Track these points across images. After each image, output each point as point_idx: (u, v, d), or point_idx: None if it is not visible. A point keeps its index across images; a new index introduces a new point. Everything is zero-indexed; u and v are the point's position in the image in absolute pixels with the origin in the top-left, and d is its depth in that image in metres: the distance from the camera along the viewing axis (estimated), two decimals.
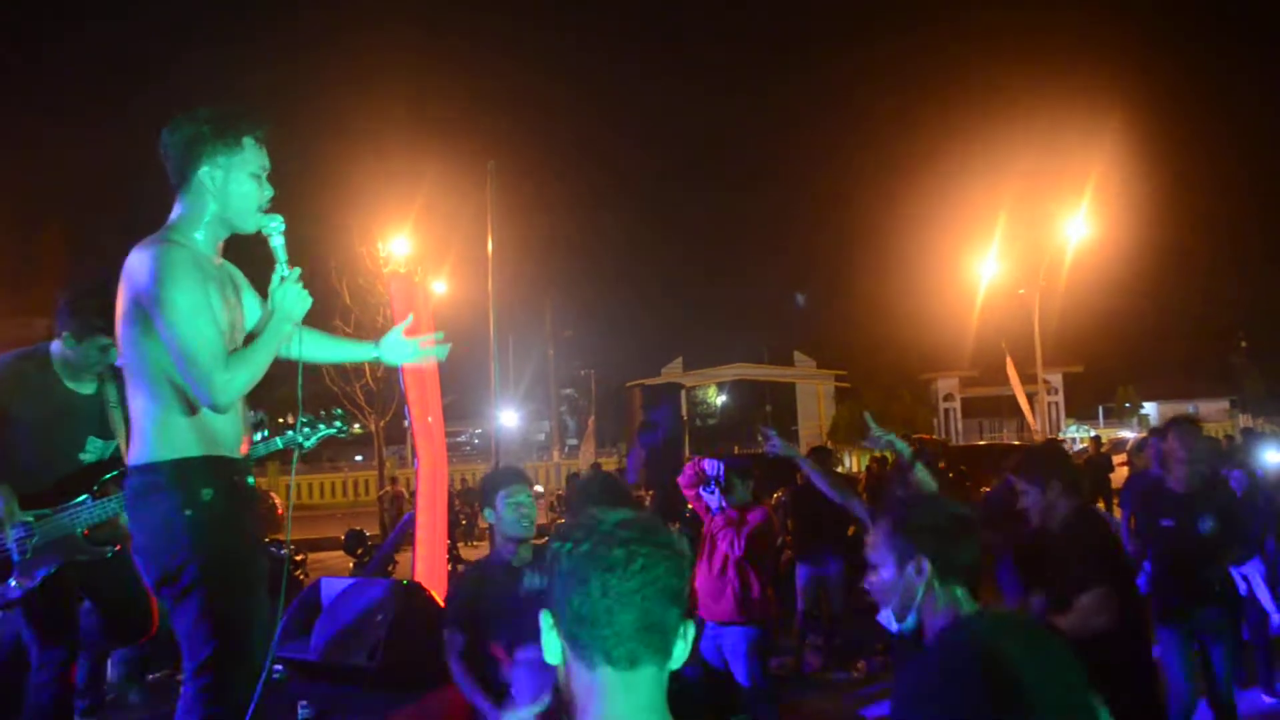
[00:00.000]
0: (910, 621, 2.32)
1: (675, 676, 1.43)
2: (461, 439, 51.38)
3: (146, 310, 2.81)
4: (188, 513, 2.84)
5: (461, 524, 17.30)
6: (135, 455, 2.92)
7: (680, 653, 1.42)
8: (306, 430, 4.39)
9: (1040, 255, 27.57)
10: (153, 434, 2.88)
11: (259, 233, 3.07)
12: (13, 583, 3.86)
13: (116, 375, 4.44)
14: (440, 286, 24.30)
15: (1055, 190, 29.31)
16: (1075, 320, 39.42)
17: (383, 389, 25.18)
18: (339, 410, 4.33)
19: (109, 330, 4.06)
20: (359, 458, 45.05)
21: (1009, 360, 23.75)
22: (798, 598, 7.68)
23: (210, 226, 3.01)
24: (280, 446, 4.03)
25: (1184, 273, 44.82)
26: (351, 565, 11.64)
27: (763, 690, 5.23)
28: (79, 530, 3.98)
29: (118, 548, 4.26)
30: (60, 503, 3.96)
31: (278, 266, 3.01)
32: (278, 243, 3.04)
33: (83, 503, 3.97)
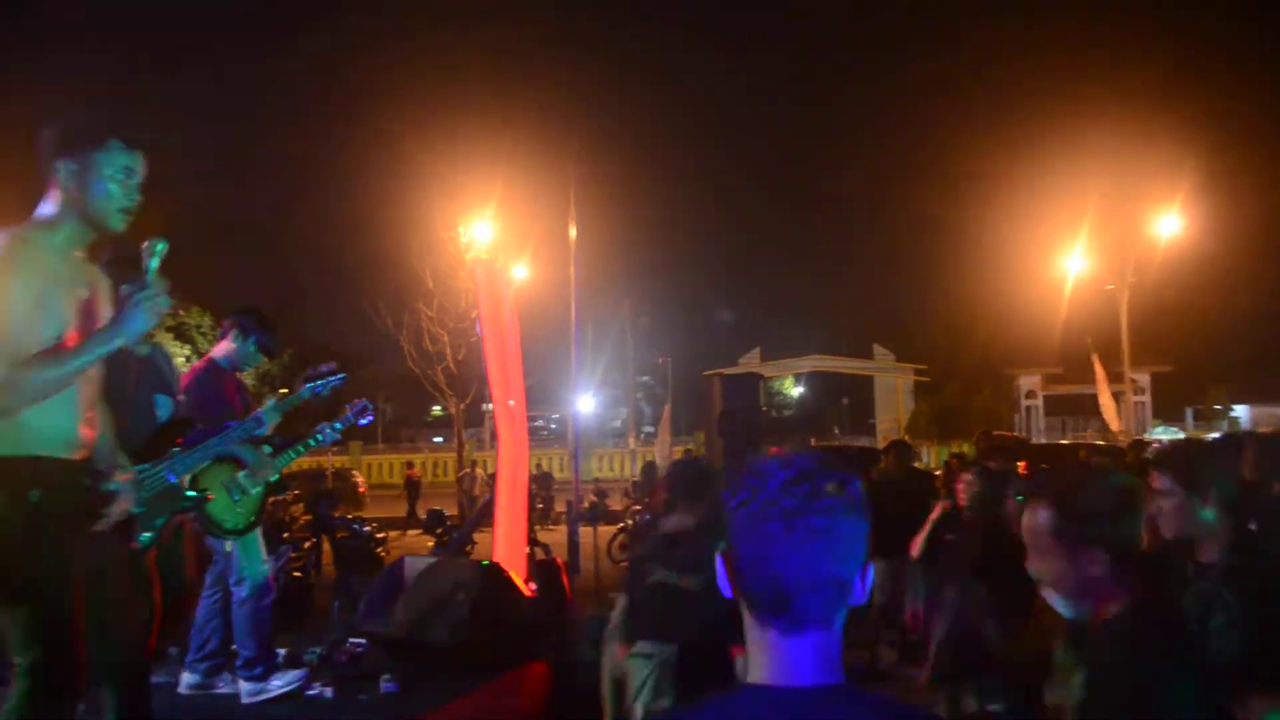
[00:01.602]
0: (1084, 608, 2.27)
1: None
2: (539, 423, 51.83)
3: None
4: (13, 515, 2.80)
5: (538, 507, 17.49)
6: None
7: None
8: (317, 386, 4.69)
9: (1129, 250, 26.90)
10: None
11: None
12: (145, 536, 4.04)
13: (155, 347, 4.69)
14: (521, 272, 24.53)
15: (1146, 184, 28.57)
16: (1165, 318, 38.46)
17: (463, 372, 25.52)
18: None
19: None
20: (438, 439, 45.74)
21: (1094, 358, 23.22)
22: (873, 593, 7.66)
23: (71, 224, 3.00)
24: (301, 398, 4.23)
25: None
26: (431, 544, 11.86)
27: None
28: (176, 481, 4.16)
29: (210, 497, 4.50)
30: (155, 459, 4.13)
31: (138, 284, 2.95)
32: (152, 264, 3.00)
33: (174, 456, 4.14)
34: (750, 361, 45.44)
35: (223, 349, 5.32)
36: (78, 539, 2.95)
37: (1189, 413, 42.68)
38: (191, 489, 4.28)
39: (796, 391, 50.51)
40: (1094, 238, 29.33)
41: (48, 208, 2.99)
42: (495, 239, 23.83)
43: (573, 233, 10.49)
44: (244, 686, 5.15)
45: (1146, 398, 40.28)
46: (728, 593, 1.43)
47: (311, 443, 5.12)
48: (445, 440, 41.97)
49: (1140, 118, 53.24)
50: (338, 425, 5.08)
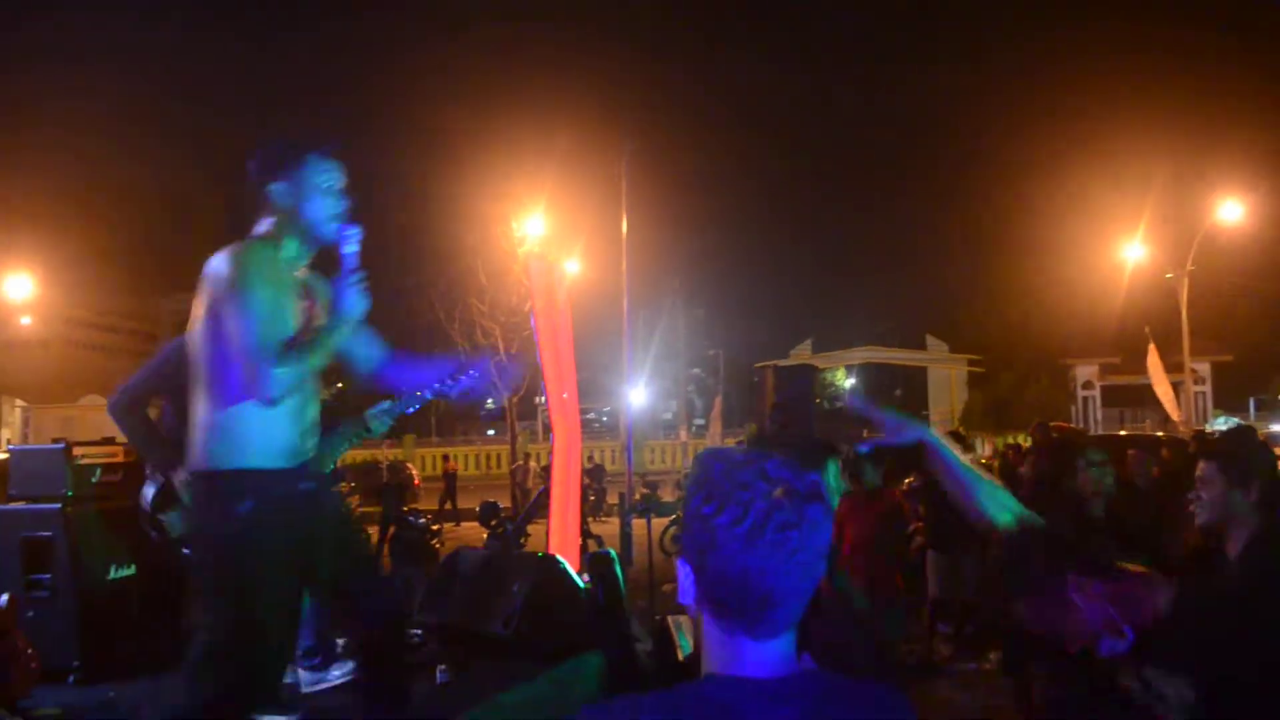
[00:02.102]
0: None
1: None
2: (591, 416, 51.99)
3: (220, 307, 2.98)
4: (226, 526, 2.97)
5: (590, 499, 17.58)
6: (196, 463, 3.06)
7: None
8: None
9: (1189, 237, 26.44)
10: (209, 441, 3.01)
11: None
12: None
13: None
14: (573, 266, 24.63)
15: (1207, 169, 28.08)
16: (1226, 306, 37.74)
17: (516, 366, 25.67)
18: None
19: None
20: (491, 432, 46.05)
21: (1151, 347, 22.84)
22: (929, 585, 7.62)
23: (290, 239, 3.22)
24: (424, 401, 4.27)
25: None
26: (486, 536, 11.96)
27: (885, 676, 5.23)
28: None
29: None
30: None
31: (345, 271, 3.17)
32: (351, 249, 3.20)
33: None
34: (802, 353, 45.25)
35: None
36: (288, 549, 3.09)
37: (1251, 402, 41.79)
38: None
39: (849, 383, 50.12)
40: (1152, 225, 28.88)
41: (265, 225, 3.23)
42: (547, 233, 23.95)
43: (624, 226, 10.54)
44: (303, 676, 5.25)
45: (1207, 387, 39.50)
46: (689, 599, 1.47)
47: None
48: (498, 433, 42.23)
49: (1200, 102, 52.26)
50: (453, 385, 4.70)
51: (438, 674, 5.36)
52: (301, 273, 3.25)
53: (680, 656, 5.21)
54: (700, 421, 47.58)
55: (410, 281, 26.34)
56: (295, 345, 3.01)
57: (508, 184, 25.02)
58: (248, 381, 2.91)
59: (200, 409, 3.03)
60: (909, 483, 8.93)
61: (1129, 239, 29.12)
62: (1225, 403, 41.78)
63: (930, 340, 45.92)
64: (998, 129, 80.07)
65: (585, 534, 10.53)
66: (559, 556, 5.74)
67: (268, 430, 3.00)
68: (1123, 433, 25.82)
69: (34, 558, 5.75)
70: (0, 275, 31.61)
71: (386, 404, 4.39)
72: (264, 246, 3.15)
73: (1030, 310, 41.82)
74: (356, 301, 3.13)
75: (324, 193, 3.21)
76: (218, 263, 3.02)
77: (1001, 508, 2.56)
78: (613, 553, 6.04)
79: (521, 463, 23.23)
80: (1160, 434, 21.80)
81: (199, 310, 3.05)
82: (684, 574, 1.47)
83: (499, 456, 35.95)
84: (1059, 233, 40.40)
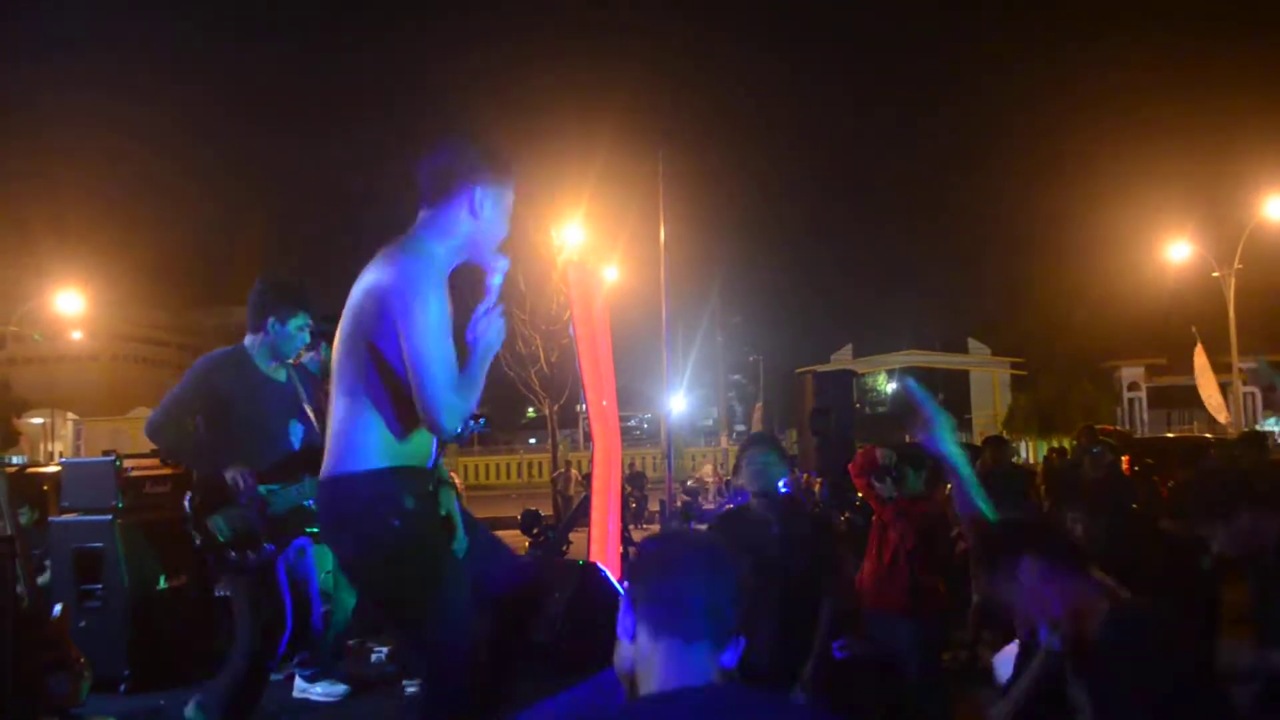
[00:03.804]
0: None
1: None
2: (631, 423, 52.04)
3: (392, 321, 2.83)
4: (395, 523, 2.85)
5: (632, 507, 17.58)
6: (336, 465, 2.91)
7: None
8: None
9: (1236, 235, 26.05)
10: (360, 444, 2.89)
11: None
12: (270, 546, 4.22)
13: (299, 369, 4.84)
14: (612, 273, 24.68)
15: (1253, 166, 27.63)
16: (1276, 305, 37.11)
17: (556, 374, 25.75)
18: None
19: (307, 311, 4.50)
20: (533, 440, 46.26)
21: (1199, 347, 22.53)
22: (973, 591, 7.56)
23: (455, 247, 3.04)
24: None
25: None
26: (527, 544, 12.00)
27: (932, 683, 5.20)
28: (307, 503, 4.32)
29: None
30: (285, 481, 4.31)
31: (488, 300, 3.04)
32: (497, 281, 3.09)
33: (305, 481, 4.30)
34: (842, 358, 45.04)
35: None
36: (447, 546, 3.06)
37: None
38: None
39: (890, 388, 49.82)
40: (1197, 223, 28.50)
41: (438, 224, 3.03)
42: (586, 241, 24.04)
43: (662, 233, 10.58)
44: (297, 681, 5.40)
45: (1256, 388, 38.88)
46: (629, 634, 1.75)
47: None
48: (539, 442, 42.39)
49: (1244, 98, 51.48)
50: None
51: None
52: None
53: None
54: (741, 428, 47.49)
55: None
56: (464, 374, 2.89)
57: (547, 192, 25.16)
58: (427, 410, 2.78)
59: (345, 411, 2.91)
60: (951, 487, 8.84)
61: (1174, 238, 28.74)
62: (1276, 403, 41.09)
63: (972, 344, 45.57)
64: (1039, 131, 79.40)
65: (627, 541, 10.54)
66: (600, 564, 5.76)
67: (415, 433, 2.93)
68: (1169, 434, 25.45)
69: (86, 568, 5.86)
70: (51, 291, 32.19)
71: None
72: (431, 255, 2.94)
73: (1073, 311, 41.40)
74: (497, 334, 3.04)
75: (506, 218, 3.10)
76: (387, 271, 2.87)
77: (989, 505, 2.95)
78: None
79: (563, 470, 23.28)
80: (1209, 435, 21.50)
81: (359, 312, 2.91)
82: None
83: (540, 465, 36.05)
84: (1101, 233, 40.10)
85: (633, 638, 1.72)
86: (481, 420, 5.09)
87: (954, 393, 45.92)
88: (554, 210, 24.59)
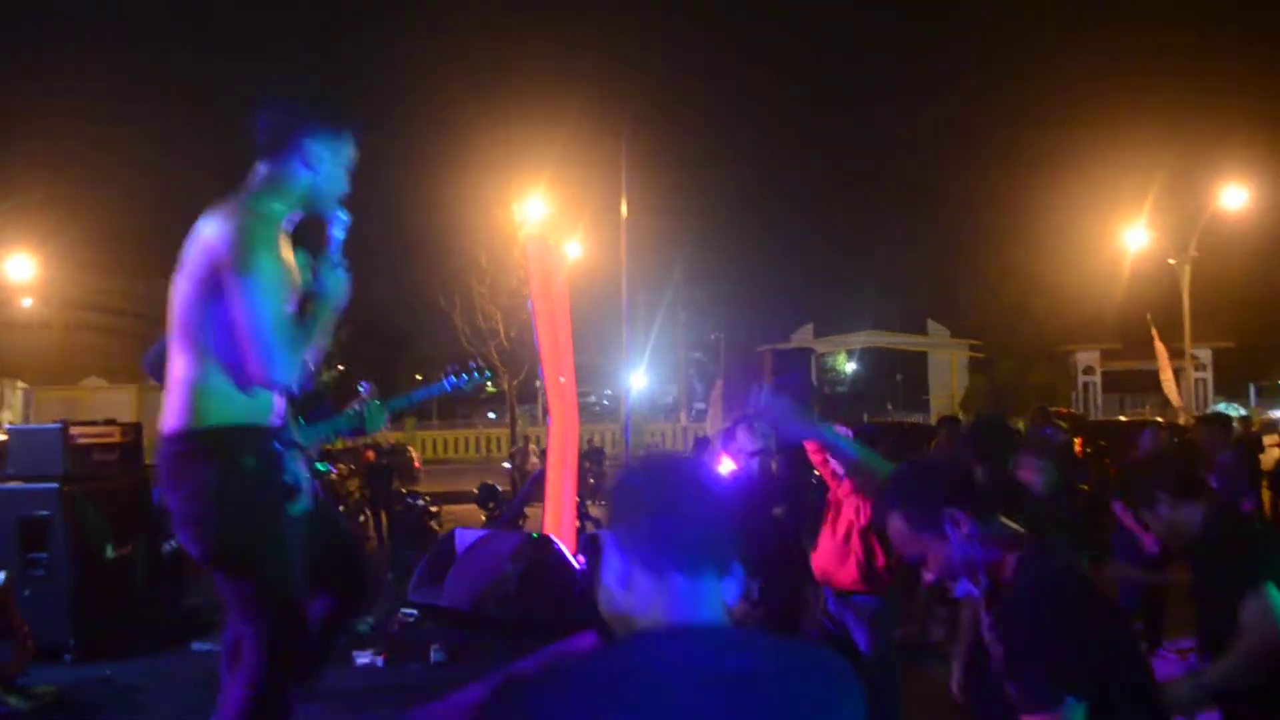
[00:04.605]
0: None
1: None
2: (591, 399, 51.97)
3: (222, 277, 2.81)
4: (232, 482, 2.84)
5: (589, 482, 17.57)
6: (176, 421, 2.89)
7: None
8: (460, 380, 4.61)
9: (1192, 223, 26.37)
10: (196, 400, 2.87)
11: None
12: None
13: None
14: (574, 249, 24.59)
15: (1210, 154, 27.98)
16: (1228, 293, 37.63)
17: (515, 349, 25.67)
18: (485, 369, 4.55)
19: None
20: (492, 415, 46.06)
21: (1155, 333, 22.81)
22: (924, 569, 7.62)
23: (294, 200, 3.02)
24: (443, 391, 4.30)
25: None
26: (484, 518, 11.98)
27: (885, 660, 5.23)
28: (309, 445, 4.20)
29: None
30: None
31: (331, 255, 3.05)
32: (339, 235, 3.09)
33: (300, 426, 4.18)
34: (803, 337, 45.20)
35: None
36: (284, 506, 3.00)
37: (1252, 389, 41.72)
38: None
39: (850, 368, 50.10)
40: (1155, 211, 28.80)
41: (275, 177, 3.00)
42: (548, 216, 23.92)
43: (624, 208, 10.51)
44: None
45: (1208, 374, 39.48)
46: (621, 579, 1.60)
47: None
48: (498, 416, 42.26)
49: (1205, 87, 52.04)
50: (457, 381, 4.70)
51: (431, 653, 5.37)
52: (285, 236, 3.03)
53: None
54: (701, 405, 47.58)
55: (413, 265, 26.35)
56: (298, 327, 2.90)
57: (510, 167, 25.03)
58: (258, 366, 2.79)
59: (184, 368, 2.89)
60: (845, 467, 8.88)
61: (1132, 225, 29.04)
62: (1227, 389, 41.78)
63: (932, 325, 45.86)
64: (1001, 114, 79.64)
65: (583, 516, 10.55)
66: (553, 537, 5.76)
67: (248, 390, 2.89)
68: (1123, 419, 25.78)
69: (31, 537, 5.77)
70: (1, 256, 31.59)
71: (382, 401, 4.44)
72: (266, 212, 2.92)
73: (1032, 295, 41.73)
74: (341, 288, 3.04)
75: (345, 170, 3.09)
76: (220, 227, 2.85)
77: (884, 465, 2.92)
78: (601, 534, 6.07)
79: (521, 446, 23.20)
80: (1159, 419, 21.81)
81: (191, 269, 2.90)
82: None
83: (499, 440, 35.95)
84: (1061, 218, 40.45)
85: (625, 582, 1.58)
86: (487, 373, 5.07)
87: (912, 373, 46.28)
88: (516, 185, 24.46)
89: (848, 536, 5.48)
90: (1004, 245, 46.34)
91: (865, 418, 27.34)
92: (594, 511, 13.02)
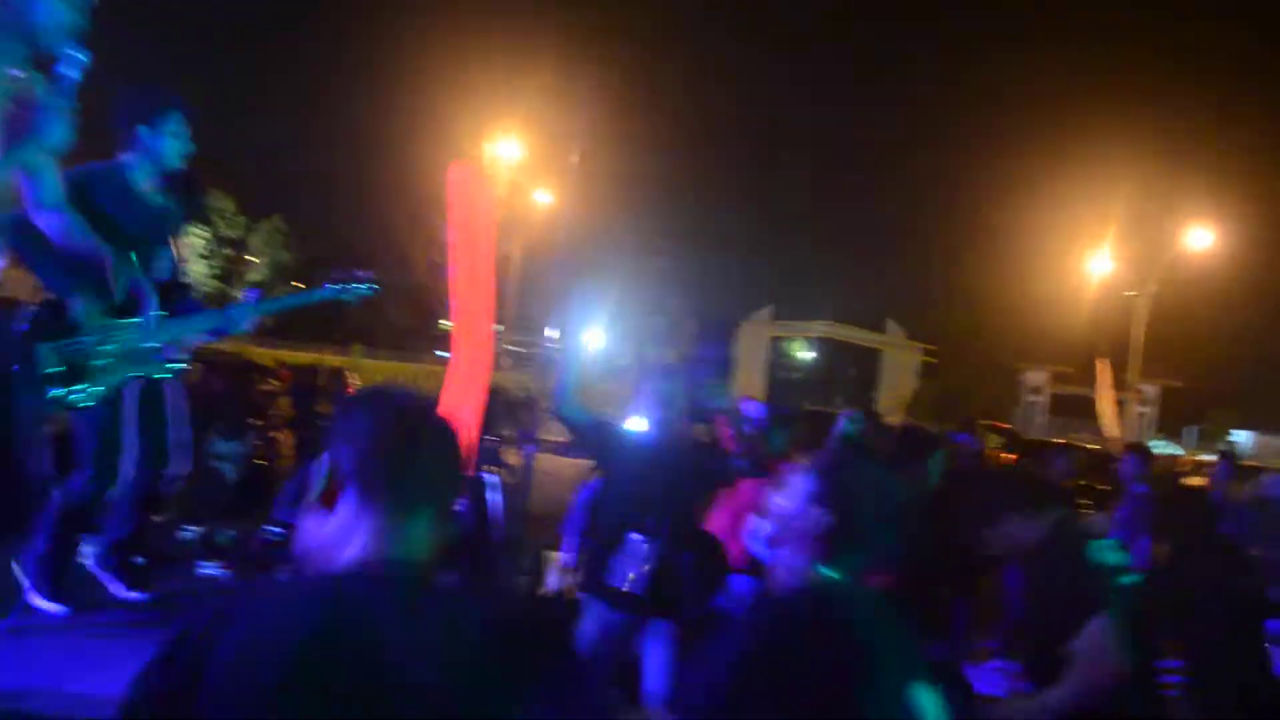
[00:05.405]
0: None
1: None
2: (540, 348, 51.76)
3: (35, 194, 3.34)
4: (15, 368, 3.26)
5: (504, 434, 17.41)
6: None
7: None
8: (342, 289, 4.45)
9: (1156, 259, 26.56)
10: None
11: None
12: (83, 387, 3.86)
13: (175, 190, 4.42)
14: (545, 197, 24.38)
15: (1182, 195, 28.11)
16: (1184, 332, 38.00)
17: None
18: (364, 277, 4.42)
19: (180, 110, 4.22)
20: (442, 353, 45.78)
21: (1101, 361, 23.01)
22: None
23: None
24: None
25: None
26: None
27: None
28: (155, 344, 4.01)
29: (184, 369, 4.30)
30: (137, 315, 3.96)
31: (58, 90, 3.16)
32: (71, 73, 3.17)
33: (159, 317, 3.98)
34: (762, 319, 45.27)
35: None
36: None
37: (1194, 431, 42.33)
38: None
39: (808, 355, 50.27)
40: (1123, 242, 28.96)
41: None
42: (519, 160, 23.66)
43: (575, 159, 10.34)
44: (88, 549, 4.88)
45: (1152, 410, 39.99)
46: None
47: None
48: (448, 354, 42.03)
49: (1182, 126, 52.31)
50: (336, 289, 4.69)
51: (279, 573, 5.21)
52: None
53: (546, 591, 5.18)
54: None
55: (381, 196, 26.13)
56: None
57: (484, 108, 24.72)
58: None
59: None
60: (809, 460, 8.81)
61: (1097, 252, 29.21)
62: (1169, 427, 42.36)
63: (890, 324, 46.09)
64: (979, 129, 79.65)
65: (498, 463, 10.40)
66: None
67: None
68: (1057, 440, 25.97)
69: None
70: None
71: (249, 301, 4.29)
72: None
73: (992, 310, 42.06)
74: (57, 128, 3.05)
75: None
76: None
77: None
78: (494, 479, 5.88)
79: None
80: (1093, 445, 21.98)
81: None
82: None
83: (441, 377, 35.69)
84: (1029, 236, 40.58)
85: (336, 514, 1.54)
86: (371, 286, 4.88)
87: (866, 369, 46.51)
88: (488, 125, 24.19)
89: (738, 515, 5.36)
90: (972, 257, 46.69)
91: (805, 405, 27.35)
92: (512, 460, 12.87)
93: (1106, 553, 3.08)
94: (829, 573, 2.05)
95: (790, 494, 2.16)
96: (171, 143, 4.11)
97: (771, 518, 2.23)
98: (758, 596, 2.19)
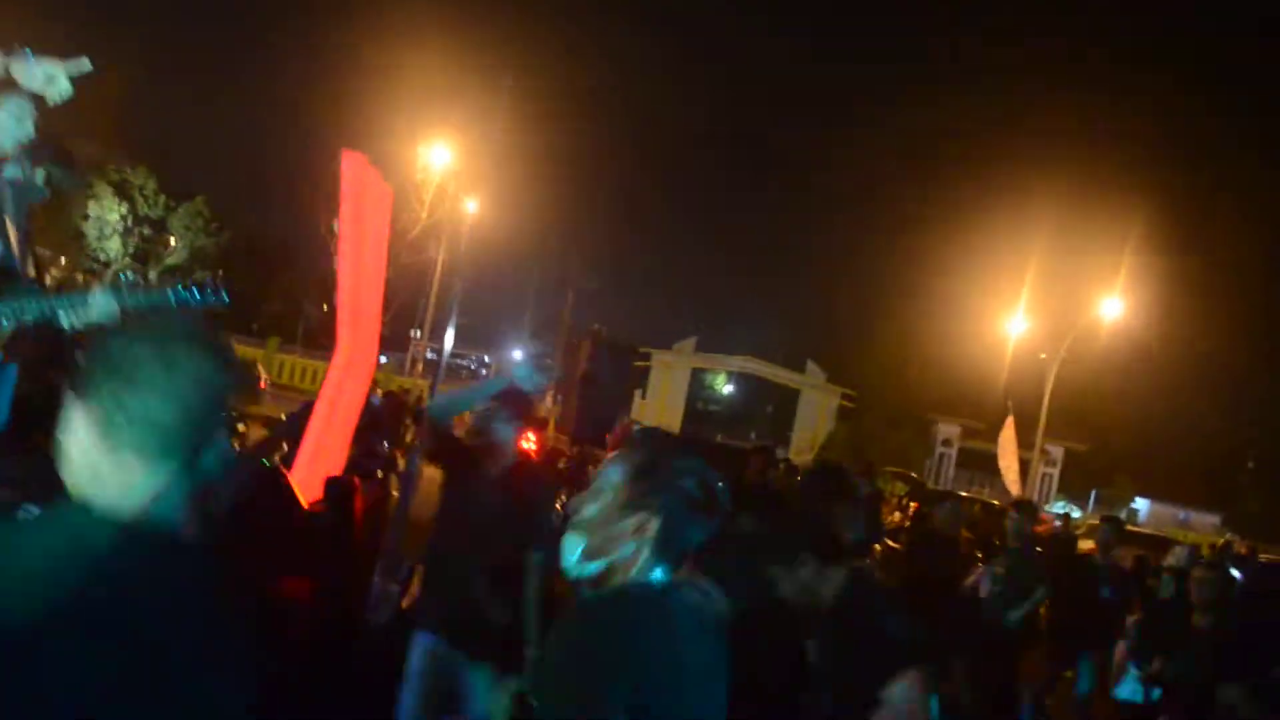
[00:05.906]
0: None
1: None
2: (464, 362, 51.40)
3: None
4: None
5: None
6: None
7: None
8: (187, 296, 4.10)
9: (1069, 326, 27.14)
10: None
11: None
12: None
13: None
14: (473, 207, 24.18)
15: (1100, 266, 28.76)
16: (1093, 398, 38.83)
17: (389, 290, 25.09)
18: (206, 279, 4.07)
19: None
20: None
21: (1009, 420, 23.42)
22: None
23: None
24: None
25: (1212, 381, 44.05)
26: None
27: None
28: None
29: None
30: None
31: None
32: None
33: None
34: (684, 348, 45.35)
35: None
36: None
37: (1094, 494, 43.22)
38: None
39: (727, 389, 50.44)
40: (1038, 305, 29.56)
41: None
42: (450, 167, 23.49)
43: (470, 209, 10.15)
44: None
45: (1056, 471, 40.78)
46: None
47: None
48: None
49: (1098, 194, 53.52)
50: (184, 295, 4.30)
51: None
52: None
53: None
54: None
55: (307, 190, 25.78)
56: None
57: (422, 114, 24.54)
58: None
59: None
60: None
61: (1015, 312, 29.78)
62: (1071, 489, 43.19)
63: (811, 365, 46.44)
64: (910, 184, 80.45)
65: (386, 467, 10.17)
66: (286, 473, 5.39)
67: None
68: (962, 494, 26.32)
69: None
70: None
71: None
72: None
73: (909, 359, 42.63)
74: None
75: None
76: None
77: None
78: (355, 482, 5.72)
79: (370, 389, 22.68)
80: (995, 502, 22.29)
81: None
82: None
83: None
84: (952, 293, 41.12)
85: (81, 454, 1.37)
86: (221, 295, 4.58)
87: (783, 408, 46.72)
88: (425, 132, 24.01)
89: None
90: (894, 305, 47.14)
91: (719, 437, 27.39)
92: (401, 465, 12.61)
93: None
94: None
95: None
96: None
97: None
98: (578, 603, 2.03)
